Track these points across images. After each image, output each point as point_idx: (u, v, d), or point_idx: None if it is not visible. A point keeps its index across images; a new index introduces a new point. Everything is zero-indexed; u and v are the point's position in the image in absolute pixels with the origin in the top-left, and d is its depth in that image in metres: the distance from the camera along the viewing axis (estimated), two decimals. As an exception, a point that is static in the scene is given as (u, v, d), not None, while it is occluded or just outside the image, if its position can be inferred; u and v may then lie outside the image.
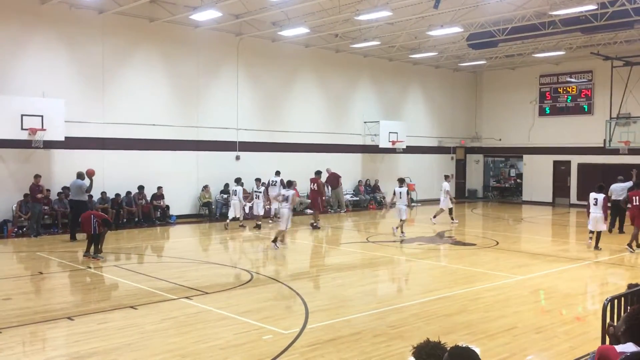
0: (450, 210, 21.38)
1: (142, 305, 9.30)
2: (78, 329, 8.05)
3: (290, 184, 16.17)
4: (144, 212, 19.89)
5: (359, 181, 26.98)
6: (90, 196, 17.21)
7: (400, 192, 17.68)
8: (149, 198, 20.20)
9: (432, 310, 9.20)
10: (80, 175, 16.74)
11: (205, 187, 21.71)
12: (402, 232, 17.63)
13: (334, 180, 24.23)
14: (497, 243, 16.63)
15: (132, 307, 9.17)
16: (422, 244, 16.59)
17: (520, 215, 25.23)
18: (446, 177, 22.28)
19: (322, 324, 8.37)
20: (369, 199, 26.94)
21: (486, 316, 8.90)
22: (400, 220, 17.64)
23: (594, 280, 12.28)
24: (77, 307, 9.32)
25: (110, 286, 11.20)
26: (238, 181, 19.66)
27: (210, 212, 21.71)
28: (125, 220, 19.30)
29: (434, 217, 21.23)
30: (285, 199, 15.38)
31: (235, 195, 19.20)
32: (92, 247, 13.56)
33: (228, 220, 19.30)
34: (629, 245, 15.26)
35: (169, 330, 8.04)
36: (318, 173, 20.72)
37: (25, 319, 8.54)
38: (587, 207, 15.77)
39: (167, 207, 20.66)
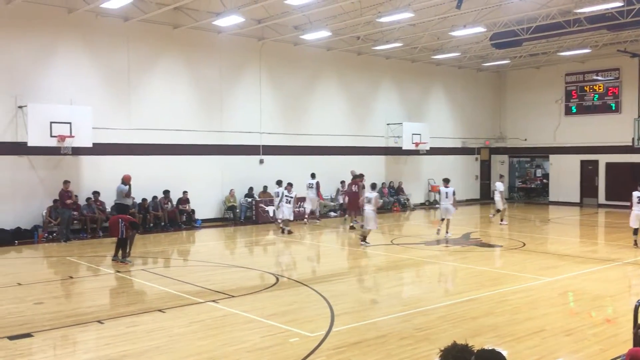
0: (499, 211, 21.31)
1: (170, 308, 9.42)
2: (108, 332, 8.18)
3: (374, 187, 17.08)
4: (170, 217, 20.12)
5: (383, 183, 26.90)
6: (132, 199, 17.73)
7: (447, 192, 17.84)
8: (174, 202, 20.43)
9: (459, 313, 9.14)
10: (122, 180, 17.22)
11: (231, 191, 21.88)
12: (447, 232, 17.75)
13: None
14: (524, 244, 16.44)
15: (160, 310, 9.30)
16: (448, 245, 16.48)
17: (547, 216, 24.91)
18: (500, 177, 22.05)
19: (348, 326, 8.37)
20: (392, 201, 26.85)
21: (513, 319, 8.82)
22: (446, 219, 17.77)
23: (624, 282, 12.07)
24: (106, 310, 9.48)
25: (138, 290, 11.36)
26: (280, 183, 19.54)
27: (235, 215, 21.87)
28: (152, 224, 19.54)
29: (502, 220, 21.10)
30: (369, 201, 16.20)
31: (280, 196, 19.07)
32: (120, 251, 13.76)
33: (281, 224, 19.23)
34: None
35: (196, 333, 8.12)
36: (360, 176, 20.94)
37: (56, 322, 8.71)
38: (630, 205, 15.59)
39: (193, 211, 20.87)
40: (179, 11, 19.74)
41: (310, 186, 22.03)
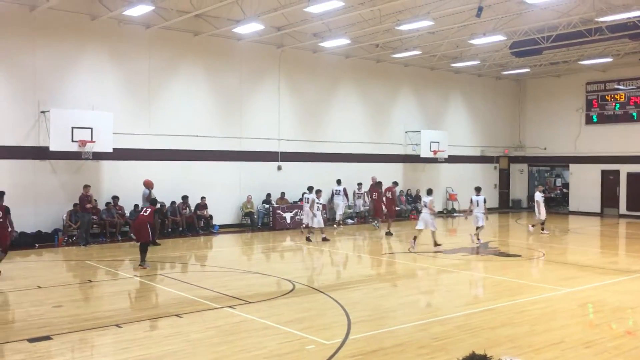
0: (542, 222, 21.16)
1: (187, 313, 9.47)
2: (126, 337, 8.25)
3: (430, 192, 18.05)
4: (187, 222, 20.24)
5: (400, 191, 26.80)
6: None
7: (478, 201, 18.26)
8: (192, 208, 20.55)
9: (477, 323, 9.06)
10: (143, 184, 17.81)
11: (248, 197, 21.97)
12: (478, 239, 18.12)
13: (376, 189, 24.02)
14: (543, 254, 16.26)
15: (177, 315, 9.35)
16: (466, 254, 16.37)
17: (567, 226, 24.62)
18: (537, 187, 21.95)
19: (365, 334, 8.35)
20: (410, 209, 26.74)
21: (532, 329, 8.72)
22: (477, 227, 18.14)
23: (645, 294, 11.88)
24: (124, 314, 9.55)
25: (156, 295, 11.44)
26: (318, 192, 19.24)
27: (253, 222, 21.94)
28: (169, 229, 19.68)
29: (543, 230, 20.96)
30: (425, 205, 17.34)
31: (310, 203, 19.01)
32: (143, 255, 13.74)
33: (306, 231, 19.36)
34: None
35: (213, 338, 8.15)
36: (395, 183, 21.98)
37: (75, 325, 8.80)
38: None
39: (211, 216, 20.98)
40: (200, 18, 19.93)
41: (337, 192, 22.51)
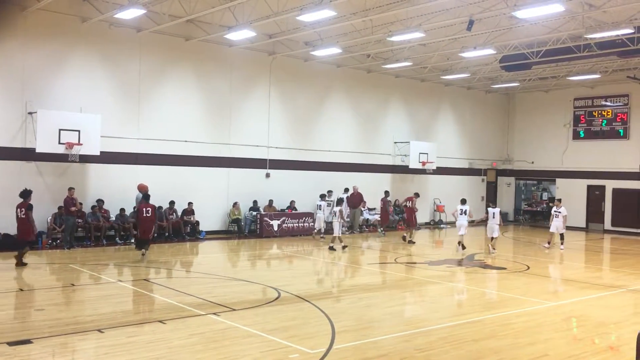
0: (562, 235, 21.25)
1: (171, 319, 9.38)
2: (107, 342, 8.15)
3: (464, 202, 19.83)
4: (174, 227, 20.12)
5: (389, 201, 26.81)
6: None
7: (494, 213, 19.32)
8: (179, 213, 20.44)
9: (461, 335, 9.07)
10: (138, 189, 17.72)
11: (235, 204, 21.89)
12: (493, 249, 19.04)
13: (357, 200, 24.11)
14: (528, 268, 16.34)
15: (160, 321, 9.27)
16: (451, 266, 16.40)
17: (552, 240, 24.74)
18: (560, 201, 21.94)
19: (349, 344, 8.32)
20: (398, 219, 26.77)
21: (516, 342, 8.74)
22: (492, 238, 19.18)
23: (628, 309, 11.95)
24: (107, 319, 9.45)
25: (139, 300, 11.34)
26: (340, 202, 19.89)
27: (240, 228, 21.86)
28: (156, 235, 19.50)
29: (562, 244, 21.02)
30: (465, 212, 19.30)
31: (336, 215, 19.24)
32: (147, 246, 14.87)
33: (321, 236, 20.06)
34: None
35: (196, 345, 8.08)
36: (416, 195, 22.74)
37: (56, 330, 8.69)
38: None
39: (197, 222, 20.88)
40: (192, 24, 19.93)
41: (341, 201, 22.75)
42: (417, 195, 22.76)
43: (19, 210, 14.53)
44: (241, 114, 22.43)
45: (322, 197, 22.04)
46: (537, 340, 8.94)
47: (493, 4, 16.67)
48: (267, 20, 18.06)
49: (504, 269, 16.30)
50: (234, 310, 10.17)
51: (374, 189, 25.73)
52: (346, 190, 23.49)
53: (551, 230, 21.20)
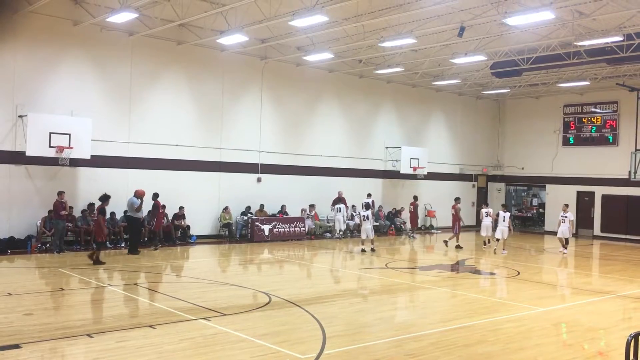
0: (567, 239, 21.81)
1: (161, 324, 9.34)
2: (97, 347, 8.10)
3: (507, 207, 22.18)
4: (165, 232, 20.03)
5: (379, 206, 26.90)
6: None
7: (504, 216, 20.76)
8: (170, 217, 20.36)
9: (451, 340, 9.09)
10: (135, 194, 17.75)
11: (226, 209, 21.85)
12: (503, 250, 20.66)
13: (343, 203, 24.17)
14: (518, 273, 16.41)
15: (150, 326, 9.22)
16: (442, 271, 16.44)
17: (542, 246, 24.89)
18: (567, 206, 22.43)
19: (340, 349, 8.31)
20: (388, 224, 26.82)
21: (506, 348, 8.77)
22: (498, 239, 20.76)
23: (617, 315, 12.03)
24: (96, 324, 9.40)
25: (129, 304, 11.28)
26: (367, 206, 20.71)
27: (231, 233, 21.81)
28: (146, 239, 19.45)
29: (565, 249, 21.64)
30: (504, 219, 20.72)
31: (367, 219, 19.91)
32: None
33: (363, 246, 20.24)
34: None
35: (186, 350, 8.05)
36: (457, 199, 23.46)
37: (45, 334, 8.63)
38: None
39: (188, 227, 20.81)
40: (184, 28, 19.92)
41: (338, 209, 23.89)
42: (458, 200, 23.38)
43: (95, 212, 16.17)
44: (233, 119, 22.41)
45: (367, 206, 21.22)
46: (527, 345, 8.98)
47: (484, 11, 16.80)
48: (259, 25, 18.09)
49: (494, 274, 16.36)
50: (225, 315, 10.14)
51: (366, 195, 25.77)
52: (369, 195, 24.35)
53: (559, 235, 21.68)
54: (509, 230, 20.79)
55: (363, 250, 19.89)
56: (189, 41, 20.40)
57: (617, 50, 19.95)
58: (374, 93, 27.23)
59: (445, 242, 22.42)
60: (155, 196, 18.93)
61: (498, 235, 20.77)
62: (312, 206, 23.98)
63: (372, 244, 20.28)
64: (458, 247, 21.78)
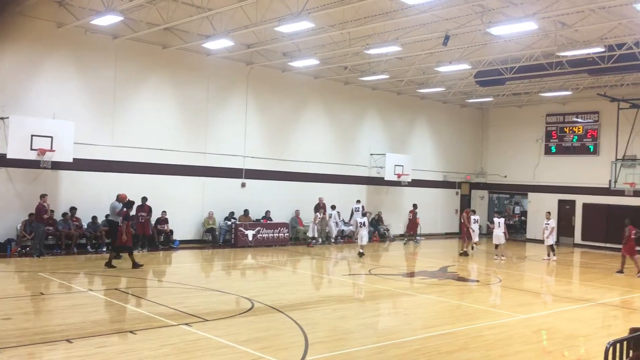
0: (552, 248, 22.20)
1: (142, 330, 9.26)
2: (76, 352, 8.01)
3: (501, 213, 22.73)
4: (147, 237, 19.83)
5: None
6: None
7: (499, 222, 21.27)
8: (153, 222, 20.20)
9: (433, 347, 9.12)
10: (117, 198, 17.58)
11: (210, 213, 21.75)
12: (502, 256, 21.02)
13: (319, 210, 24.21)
14: (500, 280, 16.52)
15: (131, 331, 9.14)
16: (425, 278, 16.50)
17: (523, 254, 25.09)
18: (549, 214, 22.85)
19: (322, 356, 8.31)
20: (372, 230, 26.86)
21: (487, 355, 8.82)
22: (497, 245, 21.19)
23: (596, 322, 12.16)
24: (76, 329, 9.28)
25: (110, 310, 11.16)
26: (365, 214, 21.96)
27: (214, 238, 21.70)
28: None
29: (553, 255, 22.00)
30: (499, 225, 21.12)
31: (364, 225, 20.78)
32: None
33: (361, 250, 20.62)
34: None
35: (167, 356, 7.99)
36: (467, 209, 24.12)
37: (24, 339, 8.51)
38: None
39: (171, 231, 20.67)
40: (169, 32, 19.85)
41: (356, 210, 24.98)
42: (473, 211, 23.86)
43: (121, 218, 16.06)
44: (217, 123, 22.35)
45: (365, 214, 23.17)
46: (507, 352, 9.04)
47: (468, 20, 16.95)
48: (245, 30, 18.09)
49: (477, 281, 16.46)
50: (207, 320, 10.08)
51: (350, 201, 25.84)
52: (358, 201, 25.46)
53: (545, 243, 22.06)
54: (505, 235, 21.24)
55: (361, 254, 20.37)
56: (174, 45, 20.33)
57: (599, 61, 20.23)
58: (359, 100, 27.33)
59: (464, 252, 22.19)
60: (143, 200, 19.07)
61: (495, 241, 21.25)
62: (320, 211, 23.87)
63: (362, 248, 20.64)
64: (463, 254, 21.92)
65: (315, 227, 23.73)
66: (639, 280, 17.58)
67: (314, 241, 23.60)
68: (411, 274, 16.96)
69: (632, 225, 18.72)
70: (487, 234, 23.60)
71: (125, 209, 16.22)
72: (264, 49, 21.34)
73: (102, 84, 19.42)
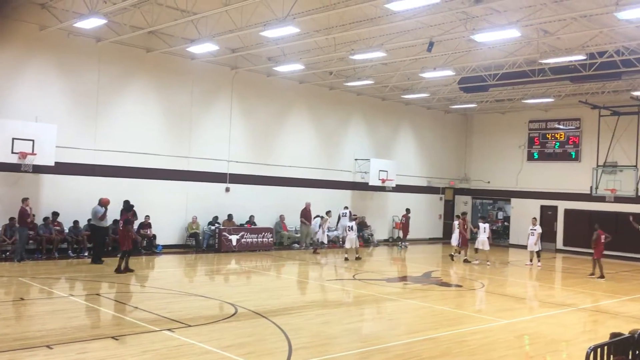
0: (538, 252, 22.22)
1: (123, 336, 9.17)
2: (56, 358, 7.90)
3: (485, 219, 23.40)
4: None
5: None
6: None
7: (485, 227, 21.59)
8: (136, 227, 20.01)
9: (417, 352, 9.14)
10: (99, 202, 17.42)
11: (194, 218, 21.62)
12: (487, 261, 21.26)
13: (308, 215, 24.19)
14: (483, 285, 16.61)
15: (113, 337, 9.04)
16: (409, 283, 16.54)
17: (506, 259, 25.26)
18: (536, 220, 22.88)
19: (305, 361, 8.28)
20: (357, 235, 26.83)
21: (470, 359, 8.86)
22: (484, 251, 21.40)
23: (578, 327, 12.27)
24: (56, 335, 9.15)
25: (91, 315, 11.04)
26: (355, 218, 22.26)
27: (198, 242, 21.58)
28: (110, 248, 19.10)
29: (530, 260, 22.17)
30: (484, 230, 21.53)
31: (352, 229, 20.98)
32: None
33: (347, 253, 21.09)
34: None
35: (149, 362, 7.91)
36: (464, 214, 24.29)
37: (3, 345, 8.38)
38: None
39: (154, 236, 20.51)
40: (153, 35, 19.75)
41: (343, 215, 25.03)
42: (464, 214, 24.24)
43: (120, 222, 16.09)
44: (202, 128, 22.25)
45: (355, 218, 23.11)
46: (490, 357, 9.08)
47: (453, 27, 17.09)
48: (230, 35, 18.06)
49: (460, 286, 16.53)
50: (190, 326, 10.00)
51: (335, 206, 25.84)
52: (346, 207, 25.69)
53: (529, 249, 22.11)
54: (489, 240, 21.63)
55: (346, 259, 20.63)
56: (158, 49, 20.23)
57: (580, 68, 20.50)
58: (344, 105, 27.39)
59: (466, 259, 22.14)
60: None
61: (479, 246, 21.55)
62: (324, 217, 23.45)
63: (357, 253, 21.06)
64: (466, 261, 21.97)
65: (322, 231, 23.00)
66: (620, 286, 17.82)
67: (322, 245, 23.47)
68: (395, 279, 16.98)
69: (602, 230, 19.48)
70: (470, 239, 23.61)
71: (126, 213, 16.23)
72: (249, 53, 21.32)
73: (85, 87, 19.26)
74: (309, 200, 24.37)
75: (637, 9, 13.36)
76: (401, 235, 27.34)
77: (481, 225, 21.85)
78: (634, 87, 23.99)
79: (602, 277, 18.79)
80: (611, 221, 27.05)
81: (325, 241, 23.37)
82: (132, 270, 15.71)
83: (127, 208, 16.42)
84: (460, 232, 22.46)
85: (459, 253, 22.65)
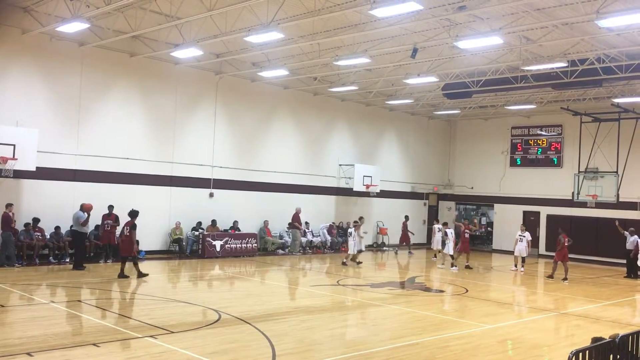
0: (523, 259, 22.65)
1: (106, 342, 9.07)
2: (37, 366, 7.80)
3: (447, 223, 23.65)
4: (112, 246, 19.48)
5: (332, 223, 27.00)
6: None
7: (447, 232, 22.11)
8: (118, 232, 19.84)
9: (400, 357, 9.15)
10: (81, 208, 17.24)
11: (177, 223, 21.49)
12: (452, 265, 21.56)
13: (297, 220, 24.18)
14: (467, 291, 16.69)
15: (94, 344, 8.94)
16: (392, 289, 16.57)
17: (489, 264, 25.42)
18: (524, 226, 23.45)
19: (289, 368, 8.24)
20: (341, 241, 26.88)
21: (454, 365, 8.88)
22: (444, 253, 22.31)
23: (560, 332, 12.38)
24: (37, 342, 9.03)
25: (73, 322, 10.91)
26: (356, 224, 22.32)
27: (181, 248, 21.43)
28: (92, 254, 18.91)
29: (515, 265, 22.65)
30: (446, 234, 22.12)
31: (351, 235, 21.49)
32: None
33: (348, 258, 21.49)
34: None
35: (131, 369, 7.83)
36: (466, 219, 24.91)
37: (-19, 353, 8.26)
38: None
39: (137, 242, 20.28)
40: (137, 40, 19.65)
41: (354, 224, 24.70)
42: (458, 219, 25.08)
43: (125, 228, 16.23)
44: (185, 133, 22.15)
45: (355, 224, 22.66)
46: (474, 362, 9.12)
47: (436, 34, 17.23)
48: (214, 40, 18.03)
49: (443, 292, 16.59)
50: (173, 332, 9.93)
51: (319, 211, 25.86)
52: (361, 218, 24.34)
53: (515, 254, 22.47)
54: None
55: (344, 263, 21.23)
56: (142, 53, 20.12)
57: (562, 75, 20.76)
58: (328, 110, 27.44)
59: (467, 265, 22.30)
60: (110, 208, 19.04)
61: (451, 251, 21.82)
62: (356, 224, 22.40)
63: (357, 258, 21.62)
64: (467, 267, 22.18)
65: (357, 241, 21.66)
66: (601, 291, 18.01)
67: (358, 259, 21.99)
68: (379, 285, 17.01)
69: (566, 234, 20.39)
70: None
71: (131, 219, 16.30)
72: (233, 58, 21.30)
73: (67, 91, 19.09)
74: (298, 205, 24.35)
75: (617, 17, 13.57)
76: (407, 241, 27.48)
77: (448, 231, 22.24)
78: (615, 94, 24.34)
79: (565, 279, 19.52)
80: (592, 226, 27.40)
81: (363, 248, 22.55)
82: (127, 277, 15.82)
83: (133, 214, 16.49)
84: (461, 238, 22.65)
85: (436, 257, 23.32)
